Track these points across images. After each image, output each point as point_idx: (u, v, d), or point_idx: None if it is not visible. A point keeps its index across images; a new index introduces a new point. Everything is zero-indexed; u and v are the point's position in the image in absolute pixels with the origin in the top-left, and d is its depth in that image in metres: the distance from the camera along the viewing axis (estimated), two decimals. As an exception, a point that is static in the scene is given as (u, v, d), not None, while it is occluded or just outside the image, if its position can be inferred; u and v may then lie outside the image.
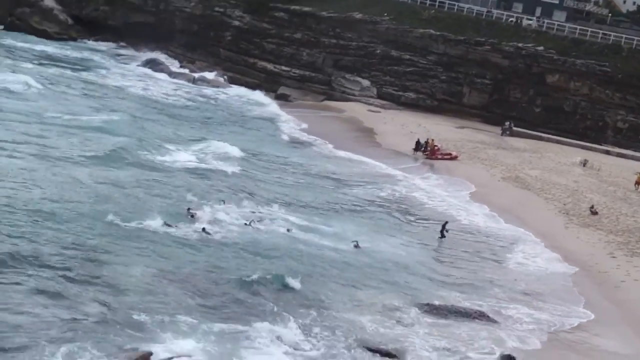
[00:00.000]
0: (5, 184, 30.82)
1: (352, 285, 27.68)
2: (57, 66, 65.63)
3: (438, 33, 72.26)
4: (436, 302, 27.12)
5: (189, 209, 31.93)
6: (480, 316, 26.60)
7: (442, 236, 35.78)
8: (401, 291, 27.93)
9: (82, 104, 52.66)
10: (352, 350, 22.50)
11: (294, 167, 45.21)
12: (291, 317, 23.59)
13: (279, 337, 22.08)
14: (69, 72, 64.11)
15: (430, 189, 45.12)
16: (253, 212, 33.41)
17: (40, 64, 64.97)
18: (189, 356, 19.98)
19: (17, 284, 22.57)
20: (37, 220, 27.53)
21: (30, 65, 62.98)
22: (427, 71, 72.21)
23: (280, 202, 36.13)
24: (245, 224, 31.73)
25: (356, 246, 31.77)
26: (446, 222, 36.63)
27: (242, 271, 26.68)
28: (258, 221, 32.27)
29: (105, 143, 40.98)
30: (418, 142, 54.66)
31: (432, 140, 54.85)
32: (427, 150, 53.94)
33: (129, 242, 27.64)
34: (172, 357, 19.75)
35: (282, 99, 71.16)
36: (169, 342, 20.66)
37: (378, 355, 22.46)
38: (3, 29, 79.08)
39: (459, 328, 25.50)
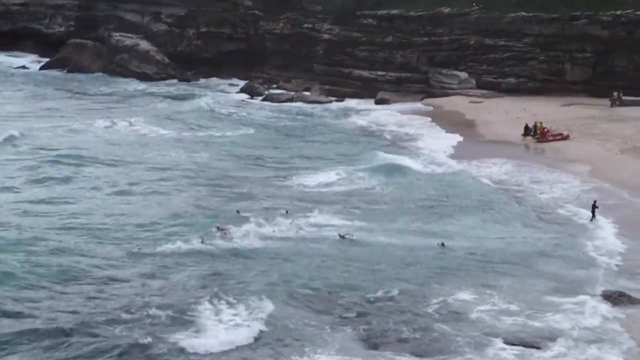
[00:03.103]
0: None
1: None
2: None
3: (531, 14, 70.74)
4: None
5: None
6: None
7: (593, 216, 34.87)
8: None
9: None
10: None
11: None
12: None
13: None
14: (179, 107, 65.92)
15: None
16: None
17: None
18: None
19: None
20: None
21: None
22: (525, 54, 70.82)
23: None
24: (341, 235, 31.66)
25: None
26: (595, 201, 35.53)
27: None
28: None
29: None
30: (527, 127, 53.60)
31: (541, 123, 53.65)
32: (537, 134, 52.84)
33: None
34: None
35: (381, 103, 71.28)
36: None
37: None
38: (108, 75, 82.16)
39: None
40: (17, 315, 22.90)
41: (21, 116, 57.77)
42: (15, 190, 36.26)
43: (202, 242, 29.94)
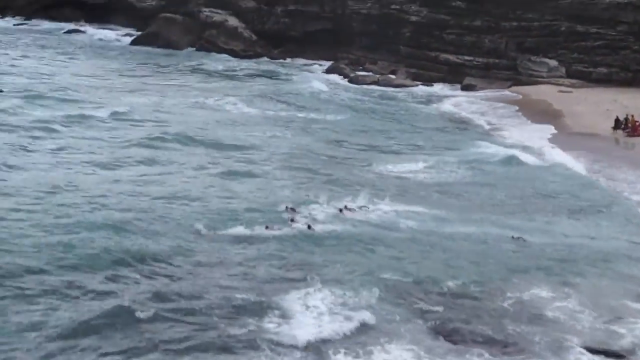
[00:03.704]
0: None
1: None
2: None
3: (626, 1, 68.78)
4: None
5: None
6: None
7: None
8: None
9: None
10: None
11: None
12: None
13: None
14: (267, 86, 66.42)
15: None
16: None
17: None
18: None
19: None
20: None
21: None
22: (618, 42, 69.02)
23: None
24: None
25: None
26: None
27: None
28: None
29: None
30: (617, 120, 52.18)
31: (632, 116, 52.17)
32: (627, 128, 51.39)
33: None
34: None
35: (468, 89, 70.37)
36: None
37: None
38: (195, 50, 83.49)
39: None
40: (98, 296, 23.26)
41: (118, 90, 58.87)
42: (109, 168, 36.79)
43: (276, 226, 29.78)
